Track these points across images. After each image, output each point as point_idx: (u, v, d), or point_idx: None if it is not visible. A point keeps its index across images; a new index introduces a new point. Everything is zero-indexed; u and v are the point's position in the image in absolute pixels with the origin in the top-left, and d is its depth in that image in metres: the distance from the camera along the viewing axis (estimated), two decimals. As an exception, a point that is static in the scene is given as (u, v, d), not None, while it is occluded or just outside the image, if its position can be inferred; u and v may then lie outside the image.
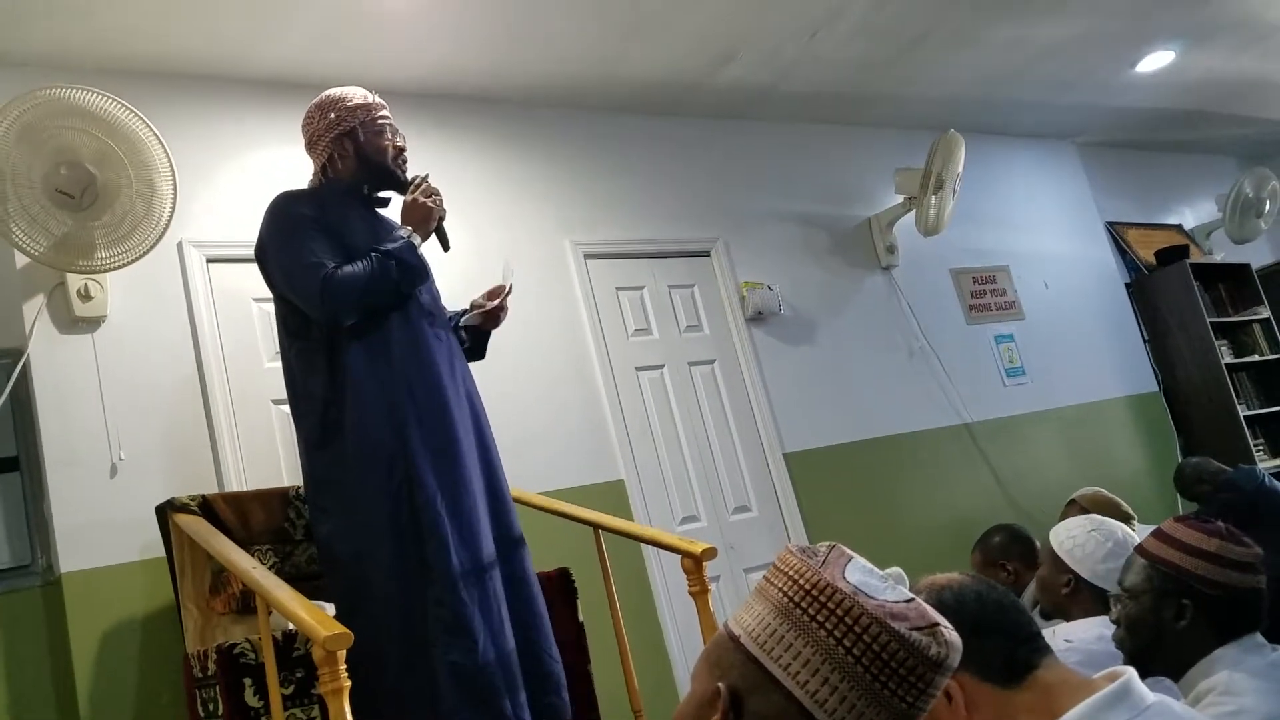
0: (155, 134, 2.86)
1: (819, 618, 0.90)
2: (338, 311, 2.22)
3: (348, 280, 2.21)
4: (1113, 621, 1.64)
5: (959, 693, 1.22)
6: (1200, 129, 6.31)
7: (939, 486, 4.62)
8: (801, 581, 0.93)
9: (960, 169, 4.68)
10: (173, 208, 2.91)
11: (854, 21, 4.01)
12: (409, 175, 2.49)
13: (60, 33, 3.00)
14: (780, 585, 0.95)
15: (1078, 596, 2.09)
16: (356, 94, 2.45)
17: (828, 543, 0.98)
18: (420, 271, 2.34)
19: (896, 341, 4.80)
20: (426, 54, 3.59)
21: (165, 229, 2.92)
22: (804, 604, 0.91)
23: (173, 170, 2.90)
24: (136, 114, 2.84)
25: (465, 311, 2.69)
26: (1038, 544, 3.05)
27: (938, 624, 0.90)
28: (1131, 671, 1.17)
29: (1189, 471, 4.42)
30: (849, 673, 0.87)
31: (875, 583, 0.93)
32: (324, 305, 2.21)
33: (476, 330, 2.65)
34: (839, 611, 0.89)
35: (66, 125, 2.74)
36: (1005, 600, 1.30)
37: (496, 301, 2.59)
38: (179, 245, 3.16)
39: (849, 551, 0.97)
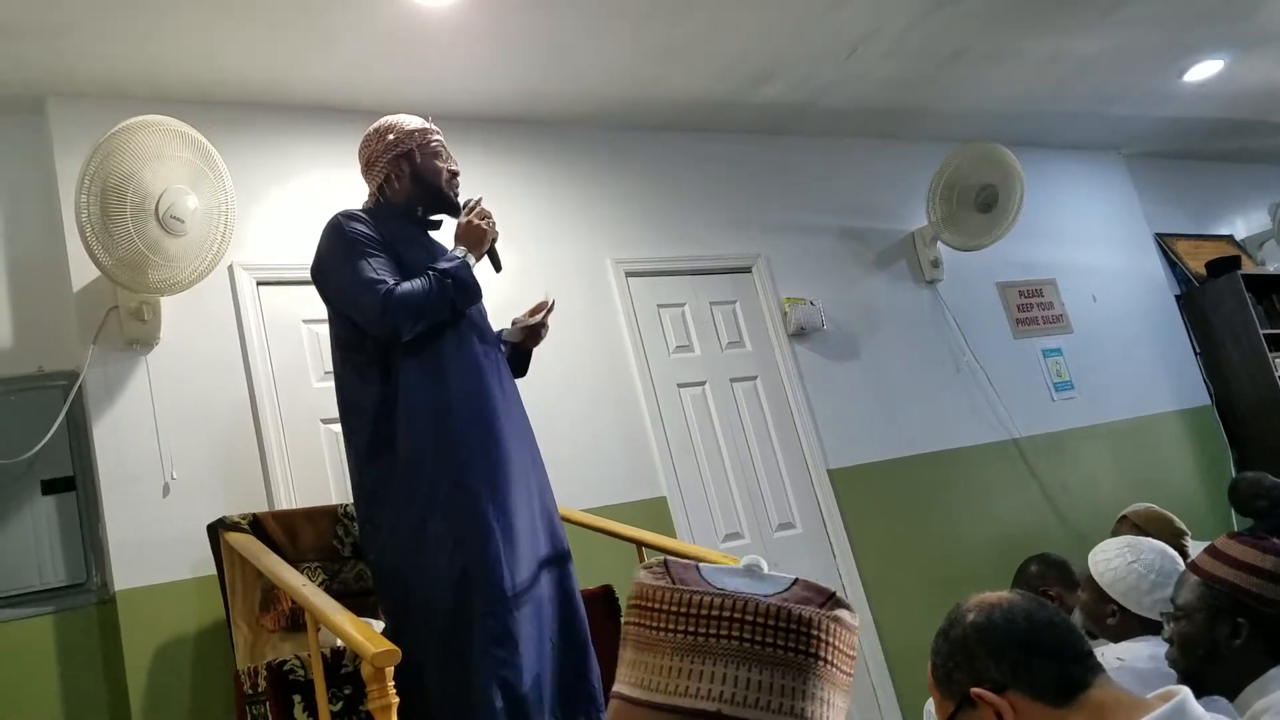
0: (218, 161, 2.95)
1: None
2: (398, 327, 2.25)
3: (408, 297, 2.25)
4: (1165, 640, 1.61)
5: (1010, 712, 1.20)
6: (1252, 138, 6.19)
7: (987, 503, 4.56)
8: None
9: (994, 183, 4.65)
10: (230, 233, 2.99)
11: (891, 39, 3.99)
12: (462, 199, 2.54)
13: (114, 64, 3.09)
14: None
15: (1126, 625, 2.06)
16: (414, 119, 2.52)
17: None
18: (474, 290, 2.39)
19: (942, 356, 4.76)
20: (468, 78, 3.64)
21: (221, 253, 3.00)
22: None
23: (232, 197, 2.99)
24: (201, 140, 2.93)
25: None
26: (1069, 564, 3.01)
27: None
28: (1186, 691, 1.15)
29: (1244, 486, 4.32)
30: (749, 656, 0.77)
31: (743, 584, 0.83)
32: (384, 321, 2.24)
33: (516, 348, 2.67)
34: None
35: (157, 155, 2.82)
36: (1056, 618, 1.28)
37: (539, 316, 2.61)
38: (230, 268, 3.22)
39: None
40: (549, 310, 2.62)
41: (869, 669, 3.95)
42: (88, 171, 2.74)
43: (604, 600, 2.83)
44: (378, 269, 2.28)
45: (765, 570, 0.84)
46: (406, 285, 2.27)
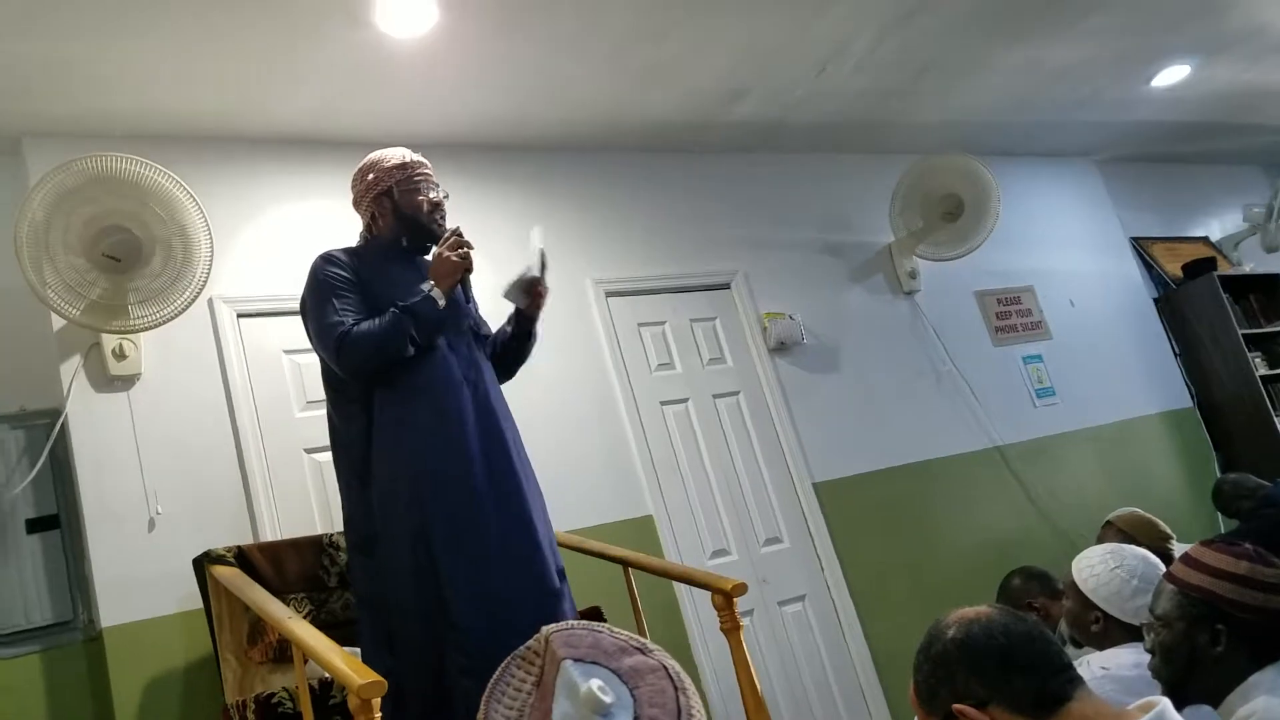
0: (192, 196, 2.95)
1: None
2: (352, 366, 2.33)
3: (361, 336, 2.31)
4: (1147, 650, 1.63)
5: (990, 728, 1.22)
6: (1222, 140, 6.27)
7: (972, 511, 4.58)
8: None
9: (958, 192, 4.71)
10: (208, 268, 2.99)
11: (860, 55, 4.03)
12: (447, 228, 2.54)
13: (88, 102, 3.09)
14: None
15: (1109, 631, 2.08)
16: (395, 155, 2.54)
17: (540, 640, 0.92)
18: (436, 324, 2.38)
19: (923, 366, 4.78)
20: (443, 106, 3.65)
21: (201, 288, 3.00)
22: None
23: (209, 231, 2.98)
24: (173, 177, 2.93)
25: (501, 331, 2.69)
26: (1051, 574, 3.02)
27: None
28: (1166, 702, 1.17)
29: (1228, 488, 4.36)
30: None
31: (572, 713, 0.88)
32: (340, 360, 2.33)
33: (519, 324, 2.64)
34: None
35: (107, 191, 2.82)
36: (1035, 631, 1.29)
37: (533, 271, 2.52)
38: (209, 302, 3.22)
39: (563, 655, 0.90)
40: (543, 266, 2.53)
41: (860, 679, 3.95)
42: (21, 221, 2.74)
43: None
44: (341, 310, 2.35)
45: (605, 705, 0.87)
46: (364, 324, 2.32)
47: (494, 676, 0.94)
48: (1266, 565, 1.52)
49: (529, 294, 2.55)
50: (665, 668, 0.93)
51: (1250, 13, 4.47)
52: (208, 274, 3.00)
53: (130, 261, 2.87)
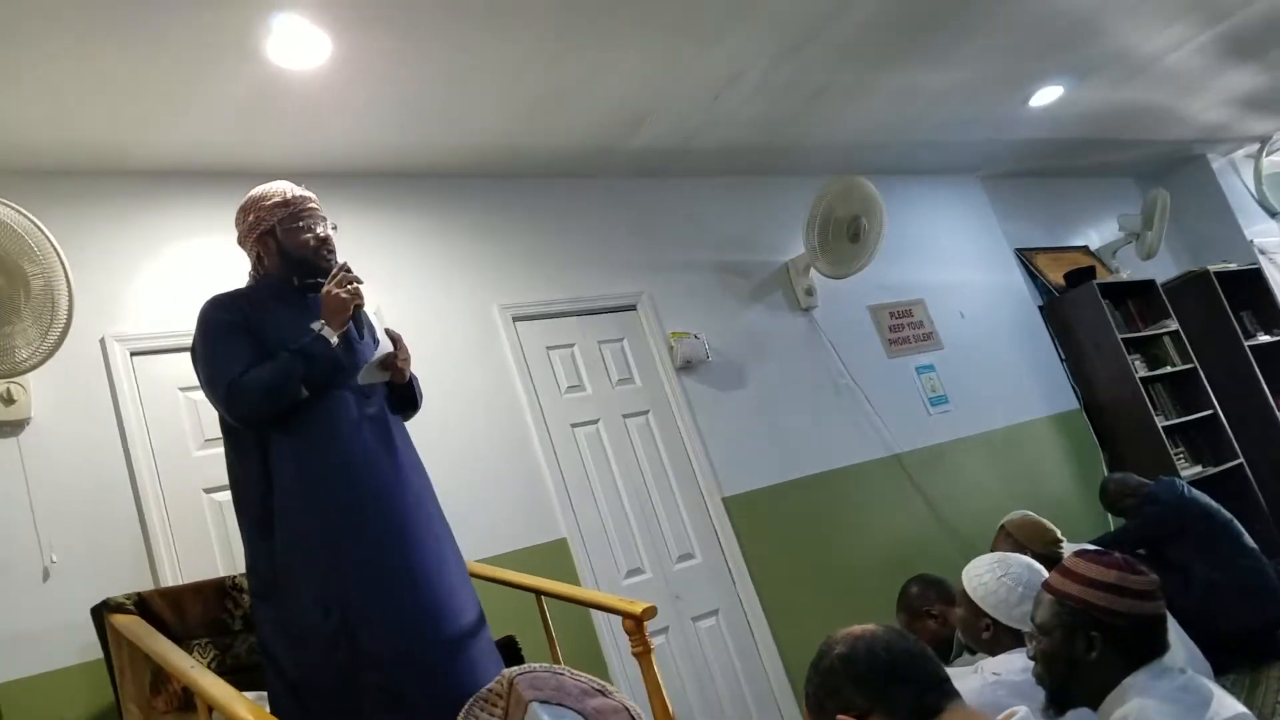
0: (39, 227, 2.77)
1: None
2: (244, 414, 2.29)
3: (251, 383, 2.26)
4: (1030, 658, 1.72)
5: (870, 738, 1.29)
6: (1096, 154, 6.60)
7: (875, 518, 4.72)
8: None
9: (861, 214, 4.85)
10: (70, 304, 2.82)
11: (753, 83, 4.14)
12: (335, 262, 2.48)
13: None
14: None
15: (999, 637, 2.19)
16: (276, 192, 2.47)
17: (503, 682, 0.93)
18: (330, 363, 2.34)
19: (822, 380, 4.92)
20: (341, 136, 3.63)
21: (66, 326, 2.83)
22: None
23: (63, 264, 2.80)
24: (19, 211, 2.75)
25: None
26: (947, 581, 3.14)
27: None
28: (1025, 711, 1.25)
29: (1112, 488, 4.59)
30: None
31: None
32: (230, 409, 2.29)
33: (392, 388, 2.56)
34: None
35: None
36: (915, 648, 1.38)
37: (382, 355, 2.45)
38: (101, 341, 3.14)
39: (529, 698, 0.90)
40: (396, 342, 2.50)
41: (772, 687, 4.04)
42: None
43: (507, 651, 2.84)
44: (230, 356, 2.30)
45: None
46: (254, 371, 2.27)
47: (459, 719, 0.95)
48: (1134, 573, 1.63)
49: (387, 368, 2.48)
50: (627, 709, 0.95)
51: (1116, 38, 4.73)
52: (69, 312, 2.82)
53: None
